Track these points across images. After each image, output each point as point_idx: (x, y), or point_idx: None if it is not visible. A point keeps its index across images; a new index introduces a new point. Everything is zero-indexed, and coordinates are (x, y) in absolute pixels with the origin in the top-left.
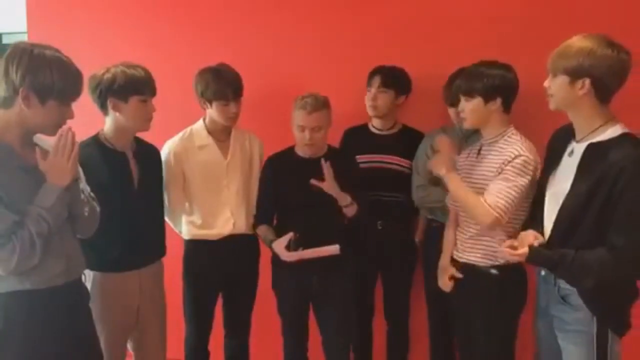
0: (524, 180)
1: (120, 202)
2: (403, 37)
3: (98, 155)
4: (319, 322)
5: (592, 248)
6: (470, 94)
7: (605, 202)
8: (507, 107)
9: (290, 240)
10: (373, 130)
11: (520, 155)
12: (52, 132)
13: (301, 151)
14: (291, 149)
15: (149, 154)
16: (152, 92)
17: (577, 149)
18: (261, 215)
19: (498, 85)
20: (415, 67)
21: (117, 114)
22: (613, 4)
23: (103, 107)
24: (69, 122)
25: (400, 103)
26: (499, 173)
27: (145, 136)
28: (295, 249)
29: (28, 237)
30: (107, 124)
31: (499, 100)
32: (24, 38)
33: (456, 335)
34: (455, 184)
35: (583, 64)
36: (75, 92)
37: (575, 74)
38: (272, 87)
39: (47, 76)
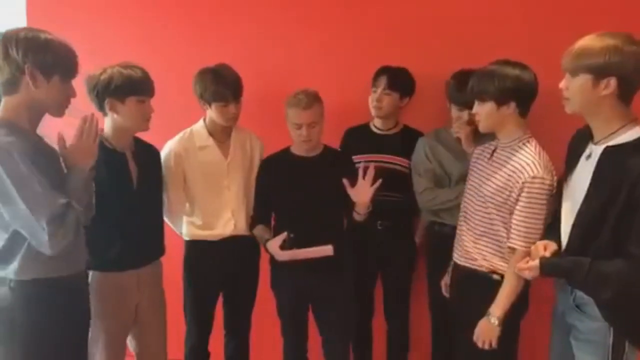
0: (541, 203)
1: (120, 202)
2: (404, 37)
3: (98, 155)
4: (318, 322)
5: (611, 258)
6: (482, 98)
7: (623, 211)
8: (523, 111)
9: (284, 240)
10: (374, 130)
11: (536, 178)
12: (57, 111)
13: (299, 149)
14: (286, 150)
15: (148, 154)
16: (150, 92)
17: (595, 151)
18: (258, 216)
19: (511, 88)
20: (416, 67)
21: (115, 114)
22: (621, 2)
23: (101, 108)
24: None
25: (404, 105)
26: (516, 194)
27: (145, 136)
28: (289, 249)
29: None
30: (106, 124)
31: (512, 105)
32: None
33: (455, 337)
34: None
35: (610, 62)
36: (75, 68)
37: (600, 73)
38: (272, 86)
39: (49, 52)
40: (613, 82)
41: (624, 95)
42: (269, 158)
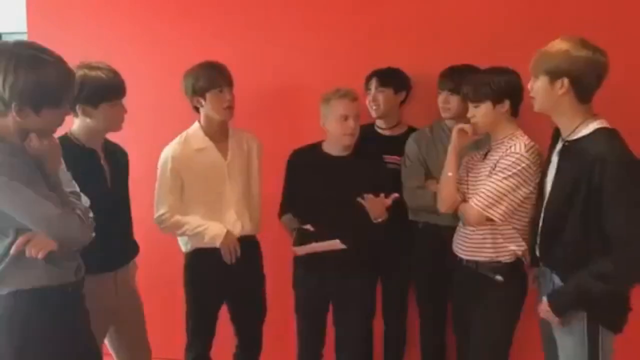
0: (508, 174)
1: (96, 201)
2: (407, 37)
3: (69, 154)
4: (337, 321)
5: (581, 246)
6: (479, 100)
7: (586, 197)
8: (515, 110)
9: (301, 234)
10: (379, 130)
11: (515, 153)
12: (49, 135)
13: (335, 146)
14: (317, 146)
15: (117, 153)
16: (122, 93)
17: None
18: (286, 205)
19: (505, 87)
20: (418, 67)
21: (88, 119)
22: (609, 4)
23: (72, 110)
24: None
25: (401, 100)
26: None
27: (145, 137)
28: (307, 242)
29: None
30: (77, 124)
31: (507, 103)
32: (24, 38)
33: (455, 334)
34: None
35: (560, 65)
36: (65, 96)
37: (554, 74)
38: (272, 87)
39: (37, 88)
40: (566, 82)
41: (580, 95)
42: (299, 151)
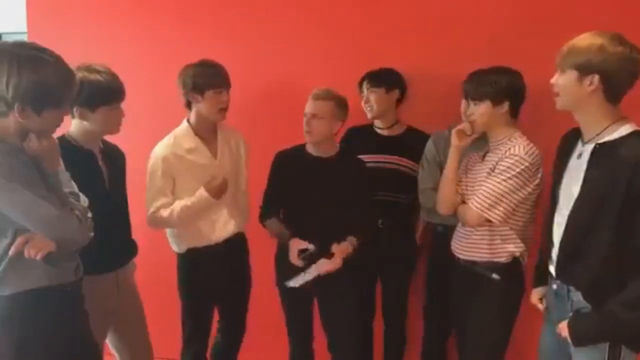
0: (507, 176)
1: (95, 202)
2: (407, 37)
3: (67, 155)
4: (324, 319)
5: (612, 262)
6: (479, 98)
7: (623, 204)
8: (514, 111)
9: (307, 249)
10: (377, 130)
11: (514, 155)
12: (49, 135)
13: (309, 145)
14: (302, 147)
15: (114, 153)
16: (121, 97)
17: (586, 150)
18: (270, 208)
19: (506, 88)
20: (418, 67)
21: (85, 122)
22: (614, 3)
23: (70, 111)
24: None
25: (396, 99)
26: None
27: (143, 137)
28: (309, 260)
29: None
30: (74, 126)
31: (506, 104)
32: (24, 38)
33: (456, 334)
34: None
35: (593, 60)
36: (67, 97)
37: (584, 70)
38: (273, 87)
39: (38, 89)
40: (596, 79)
41: (609, 94)
42: (283, 152)
